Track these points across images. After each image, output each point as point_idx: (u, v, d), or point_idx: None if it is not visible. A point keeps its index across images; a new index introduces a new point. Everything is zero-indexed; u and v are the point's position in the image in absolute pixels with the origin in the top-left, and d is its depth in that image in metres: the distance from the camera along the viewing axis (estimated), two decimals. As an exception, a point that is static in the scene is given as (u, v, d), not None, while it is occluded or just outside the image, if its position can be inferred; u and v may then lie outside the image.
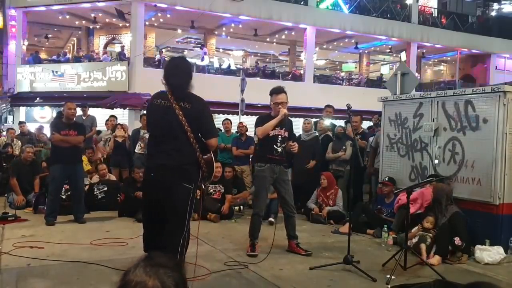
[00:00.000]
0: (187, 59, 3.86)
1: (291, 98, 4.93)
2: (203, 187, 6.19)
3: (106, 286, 3.71)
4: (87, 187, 7.13)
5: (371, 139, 7.52)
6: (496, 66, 23.13)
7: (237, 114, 11.92)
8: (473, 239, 4.96)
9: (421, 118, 5.94)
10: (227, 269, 4.22)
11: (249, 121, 10.71)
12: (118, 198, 7.17)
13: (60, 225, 5.98)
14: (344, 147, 7.28)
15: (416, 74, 20.29)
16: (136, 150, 7.98)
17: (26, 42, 17.64)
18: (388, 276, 4.02)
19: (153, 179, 3.60)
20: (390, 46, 21.85)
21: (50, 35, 21.02)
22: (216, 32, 19.76)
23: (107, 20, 18.13)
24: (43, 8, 16.76)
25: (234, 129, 8.86)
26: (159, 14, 17.33)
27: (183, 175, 3.44)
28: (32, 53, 17.76)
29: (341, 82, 21.05)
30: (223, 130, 8.70)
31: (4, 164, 8.58)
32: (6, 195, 7.48)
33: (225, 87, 14.91)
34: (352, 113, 4.78)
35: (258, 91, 14.12)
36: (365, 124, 9.04)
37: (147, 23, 17.28)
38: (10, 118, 17.90)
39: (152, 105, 3.70)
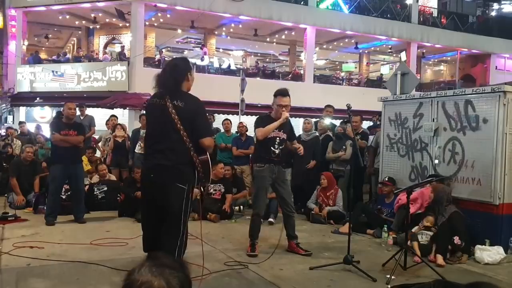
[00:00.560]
0: (185, 59, 3.82)
1: (291, 98, 4.93)
2: (202, 189, 6.18)
3: (106, 286, 3.71)
4: (87, 187, 7.13)
5: (371, 137, 7.53)
6: (496, 66, 23.12)
7: (237, 114, 11.91)
8: (473, 239, 4.96)
9: (421, 118, 5.94)
10: (227, 269, 4.23)
11: (249, 121, 10.70)
12: (118, 198, 7.17)
13: (60, 225, 5.98)
14: (344, 147, 7.28)
15: (418, 76, 20.36)
16: (136, 150, 7.99)
17: (26, 42, 17.64)
18: (388, 276, 4.02)
19: (148, 180, 3.60)
20: (390, 46, 21.85)
21: (50, 35, 21.01)
22: (216, 32, 19.76)
23: (107, 20, 18.13)
24: (43, 8, 16.75)
25: (234, 129, 8.86)
26: (159, 14, 17.33)
27: (176, 176, 3.41)
28: (32, 53, 17.75)
29: (341, 82, 21.04)
30: (223, 130, 8.70)
31: (4, 164, 8.58)
32: (6, 195, 7.48)
33: (225, 87, 14.91)
34: (351, 113, 4.78)
35: (258, 91, 14.17)
36: (365, 124, 9.03)
37: (147, 23, 17.27)
38: (10, 118, 17.90)
39: (149, 104, 3.76)
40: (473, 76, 23.53)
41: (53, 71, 16.18)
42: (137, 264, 1.28)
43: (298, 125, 10.43)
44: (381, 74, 22.55)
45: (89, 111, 11.32)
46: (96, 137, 9.90)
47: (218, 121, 10.34)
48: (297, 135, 6.39)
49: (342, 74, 23.31)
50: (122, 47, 17.65)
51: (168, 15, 17.33)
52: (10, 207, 6.86)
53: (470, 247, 4.91)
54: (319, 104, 8.29)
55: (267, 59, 25.21)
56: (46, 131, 9.70)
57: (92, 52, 18.38)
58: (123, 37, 19.03)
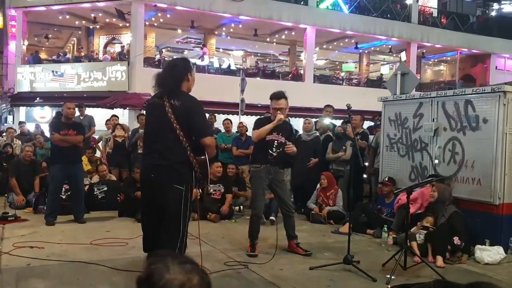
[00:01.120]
0: (185, 60, 3.81)
1: (291, 98, 4.93)
2: (200, 190, 6.16)
3: (106, 286, 3.71)
4: (87, 187, 7.13)
5: (371, 137, 7.53)
6: (496, 66, 23.12)
7: (237, 114, 11.92)
8: (473, 239, 4.96)
9: (421, 118, 5.94)
10: (227, 269, 4.22)
11: (249, 121, 10.70)
12: (118, 198, 7.17)
13: (60, 225, 5.98)
14: (344, 147, 7.27)
15: (418, 76, 20.37)
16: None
17: (26, 42, 17.64)
18: (388, 276, 4.02)
19: (146, 180, 3.60)
20: (390, 46, 21.84)
21: (50, 35, 21.00)
22: (216, 32, 19.75)
23: (107, 20, 18.12)
24: (43, 8, 16.74)
25: (234, 129, 8.86)
26: (159, 14, 17.33)
27: (173, 176, 3.39)
28: (32, 53, 17.75)
29: (341, 82, 21.04)
30: (223, 130, 8.71)
31: (4, 164, 8.58)
32: (6, 195, 7.48)
33: (225, 87, 14.91)
34: (351, 113, 4.78)
35: (258, 91, 14.13)
36: (366, 124, 9.02)
37: (147, 23, 17.27)
38: (10, 118, 17.90)
39: (148, 104, 3.77)
40: (473, 76, 23.53)
41: (53, 71, 16.18)
42: (155, 265, 1.21)
43: (298, 125, 10.46)
44: (381, 74, 22.55)
45: (89, 111, 11.34)
46: (96, 137, 9.91)
47: (218, 121, 10.34)
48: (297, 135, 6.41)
49: (342, 74, 23.30)
50: (122, 47, 17.65)
51: (168, 15, 17.33)
52: (10, 207, 6.87)
53: (470, 247, 4.91)
54: (319, 104, 8.29)
55: (267, 59, 25.20)
56: (46, 131, 9.70)
57: (92, 52, 18.37)
58: (123, 37, 19.02)
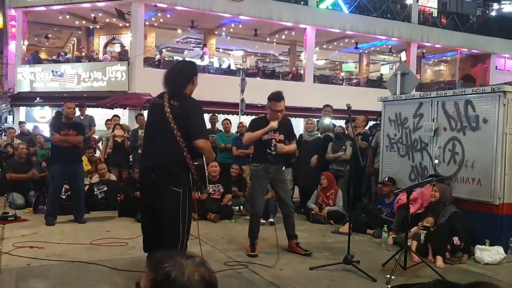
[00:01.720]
0: (194, 64, 3.80)
1: (291, 98, 4.95)
2: (199, 194, 6.15)
3: (106, 286, 3.71)
4: (87, 187, 7.13)
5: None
6: (496, 66, 23.11)
7: (237, 114, 11.92)
8: (473, 239, 4.96)
9: (421, 118, 5.94)
10: (227, 269, 4.22)
11: (249, 121, 10.71)
12: (118, 198, 7.17)
13: (60, 225, 5.98)
14: (344, 147, 7.28)
15: (418, 76, 20.37)
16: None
17: (26, 42, 17.63)
18: (388, 276, 4.02)
19: (144, 181, 3.59)
20: (390, 46, 21.84)
21: (50, 35, 21.00)
22: (216, 32, 19.75)
23: (107, 20, 18.12)
24: (43, 8, 16.74)
25: (234, 129, 8.85)
26: (159, 14, 17.32)
27: (170, 178, 3.37)
28: (32, 53, 17.75)
29: (341, 82, 21.03)
30: (223, 130, 8.70)
31: (4, 164, 8.58)
32: (6, 195, 7.49)
33: (225, 87, 14.91)
34: (352, 113, 4.77)
35: (258, 91, 14.11)
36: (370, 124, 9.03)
37: (147, 23, 17.27)
38: (10, 118, 17.89)
39: (150, 104, 3.77)
40: (473, 76, 23.52)
41: (53, 71, 16.18)
42: (170, 264, 1.17)
43: (298, 125, 10.46)
44: (381, 74, 22.55)
45: (89, 111, 11.34)
46: (96, 137, 9.92)
47: (218, 121, 10.34)
48: (297, 135, 6.40)
49: (342, 74, 23.30)
50: (122, 47, 17.64)
51: (168, 15, 17.32)
52: (10, 207, 6.86)
53: (470, 247, 4.91)
54: (319, 104, 8.28)
55: (267, 59, 25.20)
56: (46, 131, 9.71)
57: (92, 52, 18.37)
58: (123, 37, 19.02)
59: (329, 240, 5.69)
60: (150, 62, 16.89)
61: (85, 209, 6.48)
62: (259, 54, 24.49)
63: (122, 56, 16.70)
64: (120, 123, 9.18)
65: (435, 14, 22.09)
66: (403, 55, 20.97)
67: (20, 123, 12.27)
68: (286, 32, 19.67)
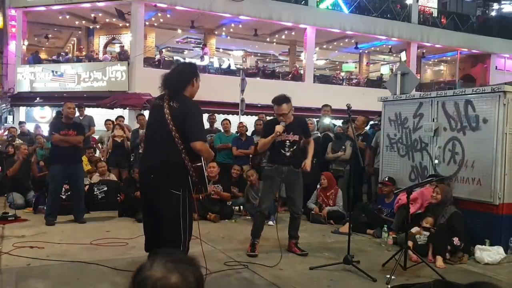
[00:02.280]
0: (194, 65, 3.79)
1: (291, 98, 4.90)
2: (200, 197, 6.14)
3: (106, 286, 3.71)
4: (87, 187, 7.13)
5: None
6: (496, 66, 23.11)
7: (237, 114, 11.92)
8: (473, 239, 4.96)
9: (421, 118, 5.94)
10: (227, 269, 4.23)
11: (249, 121, 10.72)
12: (118, 198, 7.18)
13: (60, 225, 5.98)
14: (343, 147, 7.28)
15: (418, 76, 20.36)
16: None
17: (26, 42, 17.63)
18: (388, 276, 4.02)
19: (144, 182, 3.58)
20: (390, 46, 21.84)
21: (50, 35, 21.00)
22: (216, 32, 19.75)
23: (107, 20, 18.12)
24: (43, 8, 16.74)
25: (234, 129, 8.85)
26: (159, 14, 17.32)
27: (169, 180, 3.34)
28: (32, 53, 17.75)
29: (341, 82, 21.03)
30: (223, 130, 8.71)
31: (4, 164, 8.59)
32: (6, 195, 7.49)
33: (225, 87, 14.90)
34: (351, 113, 4.78)
35: (258, 91, 14.16)
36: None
37: (147, 23, 17.27)
38: (10, 118, 17.89)
39: (151, 105, 3.75)
40: (473, 76, 23.52)
41: (53, 71, 16.18)
42: (146, 261, 1.21)
43: (298, 125, 10.45)
44: (381, 74, 22.55)
45: (89, 111, 11.33)
46: (96, 137, 9.91)
47: (218, 121, 10.34)
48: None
49: (342, 74, 23.30)
50: (122, 47, 17.65)
51: (168, 15, 17.32)
52: (10, 207, 6.86)
53: (470, 247, 4.91)
54: (319, 104, 8.28)
55: (267, 59, 25.20)
56: (46, 131, 9.72)
57: (92, 52, 18.38)
58: (123, 37, 19.02)
59: (329, 240, 5.69)
60: (150, 62, 16.89)
61: (85, 209, 6.48)
62: (259, 54, 24.49)
63: (122, 56, 16.70)
64: (120, 123, 9.19)
65: (435, 14, 22.09)
66: (403, 55, 20.98)
67: (20, 123, 12.27)
68: (286, 32, 19.67)
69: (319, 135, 7.68)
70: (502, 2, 25.63)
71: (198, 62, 17.28)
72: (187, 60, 17.98)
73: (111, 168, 8.20)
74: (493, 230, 5.01)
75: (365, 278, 4.06)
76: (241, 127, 8.33)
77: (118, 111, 14.09)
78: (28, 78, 16.32)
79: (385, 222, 5.73)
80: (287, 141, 4.76)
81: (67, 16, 17.75)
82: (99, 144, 9.68)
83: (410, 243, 4.77)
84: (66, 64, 16.71)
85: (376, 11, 19.75)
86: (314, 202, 6.94)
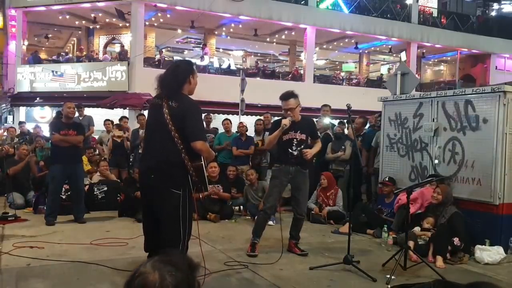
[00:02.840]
0: (189, 62, 3.76)
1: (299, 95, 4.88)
2: (200, 196, 6.14)
3: (106, 286, 3.71)
4: (87, 187, 7.13)
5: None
6: (496, 66, 23.11)
7: (237, 114, 11.91)
8: (473, 239, 4.96)
9: (421, 118, 5.94)
10: (227, 269, 4.22)
11: (249, 121, 10.72)
12: (118, 198, 7.17)
13: (60, 225, 5.98)
14: (343, 147, 7.28)
15: (418, 76, 20.39)
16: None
17: (26, 42, 17.63)
18: (388, 276, 4.02)
19: (144, 182, 3.58)
20: (390, 46, 21.84)
21: (50, 35, 21.00)
22: (216, 32, 19.75)
23: (107, 20, 18.12)
24: (43, 8, 16.74)
25: (234, 129, 8.85)
26: (159, 14, 17.32)
27: (169, 180, 3.34)
28: (32, 53, 17.75)
29: (341, 82, 21.04)
30: (223, 130, 8.71)
31: (4, 165, 8.58)
32: (6, 195, 7.49)
33: (225, 87, 14.91)
34: (352, 113, 4.77)
35: (258, 91, 14.18)
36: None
37: (147, 23, 17.27)
38: (10, 118, 17.89)
39: (150, 104, 3.73)
40: (473, 76, 23.53)
41: (53, 71, 16.18)
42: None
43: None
44: (381, 74, 22.56)
45: (89, 111, 11.34)
46: (96, 137, 9.92)
47: (218, 121, 10.35)
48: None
49: (342, 74, 23.31)
50: (122, 47, 17.65)
51: (168, 15, 17.32)
52: (10, 207, 6.86)
53: (470, 247, 4.91)
54: (319, 104, 8.28)
55: (267, 59, 25.20)
56: (46, 131, 9.72)
57: (92, 52, 18.38)
58: (123, 37, 19.02)
59: (329, 240, 5.69)
60: (150, 62, 16.89)
61: (85, 209, 6.48)
62: (259, 54, 24.49)
63: (122, 56, 16.70)
64: (117, 123, 9.21)
65: (435, 14, 22.10)
66: (403, 55, 20.98)
67: (20, 123, 12.27)
68: (286, 32, 19.67)
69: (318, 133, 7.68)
70: (502, 2, 25.63)
71: (198, 62, 17.29)
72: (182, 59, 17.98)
73: (111, 168, 8.19)
74: (493, 230, 5.01)
75: (365, 278, 4.06)
76: (241, 127, 8.33)
77: (118, 111, 14.11)
78: (28, 78, 16.32)
79: (385, 222, 5.73)
80: (295, 140, 4.74)
81: (67, 16, 17.75)
82: (98, 145, 9.68)
83: (411, 243, 4.77)
84: (66, 64, 16.71)
85: (376, 11, 19.75)
86: (314, 202, 6.94)
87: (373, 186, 7.16)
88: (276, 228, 5.82)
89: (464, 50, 22.24)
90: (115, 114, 12.74)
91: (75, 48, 21.77)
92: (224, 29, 19.47)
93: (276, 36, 20.41)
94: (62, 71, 16.17)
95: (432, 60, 25.52)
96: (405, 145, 6.19)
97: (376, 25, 19.48)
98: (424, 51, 23.02)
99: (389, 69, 23.75)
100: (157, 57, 17.81)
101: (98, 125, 9.95)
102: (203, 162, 3.44)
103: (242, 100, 11.39)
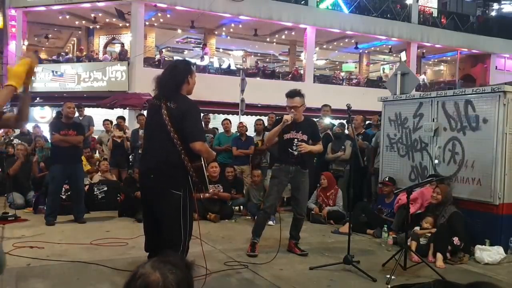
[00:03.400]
0: (187, 62, 3.73)
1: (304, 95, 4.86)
2: (200, 196, 6.14)
3: (106, 286, 3.71)
4: (87, 187, 7.13)
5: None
6: (496, 66, 23.11)
7: (237, 114, 11.92)
8: (473, 239, 4.96)
9: (421, 118, 5.94)
10: (227, 269, 4.23)
11: (249, 121, 10.72)
12: (118, 198, 7.18)
13: (60, 225, 5.98)
14: (343, 146, 7.28)
15: (422, 77, 20.40)
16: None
17: (26, 42, 17.63)
18: (388, 276, 4.02)
19: (144, 183, 3.58)
20: (390, 46, 21.85)
21: (50, 35, 21.00)
22: (216, 32, 19.76)
23: (107, 20, 18.13)
24: (43, 8, 16.75)
25: (234, 129, 8.85)
26: (159, 14, 17.33)
27: (169, 181, 3.33)
28: (32, 53, 17.74)
29: (341, 82, 21.04)
30: (222, 130, 8.70)
31: (5, 164, 8.58)
32: (6, 195, 7.49)
33: (225, 87, 14.91)
34: (351, 113, 4.77)
35: (258, 91, 14.19)
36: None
37: (147, 23, 17.27)
38: (10, 118, 17.86)
39: (149, 105, 3.72)
40: (473, 76, 23.53)
41: (53, 71, 16.19)
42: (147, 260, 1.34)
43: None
44: (381, 74, 22.57)
45: (89, 111, 11.33)
46: (96, 137, 9.92)
47: (218, 121, 10.35)
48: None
49: (342, 74, 23.31)
50: (122, 47, 17.64)
51: (168, 15, 17.33)
52: (10, 207, 6.86)
53: (470, 247, 4.91)
54: (319, 104, 8.28)
55: (267, 59, 25.20)
56: (46, 131, 9.72)
57: (92, 52, 18.38)
58: (123, 37, 19.02)
59: (329, 240, 5.69)
60: (150, 62, 16.89)
61: (85, 209, 6.48)
62: (259, 54, 24.50)
63: (122, 56, 16.70)
64: (117, 123, 9.20)
65: (435, 14, 22.10)
66: (403, 55, 20.98)
67: (20, 123, 12.21)
68: (286, 32, 19.68)
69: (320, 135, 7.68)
70: (502, 2, 25.64)
71: (198, 62, 17.30)
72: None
73: (111, 168, 8.20)
74: (493, 230, 5.01)
75: (365, 278, 4.06)
76: (241, 127, 8.33)
77: (118, 111, 14.10)
78: (28, 78, 16.29)
79: (385, 222, 5.73)
80: (296, 140, 4.73)
81: (67, 16, 17.76)
82: (98, 145, 9.68)
83: (413, 243, 4.77)
84: (66, 64, 16.72)
85: (376, 11, 19.75)
86: (314, 202, 6.94)
87: (373, 186, 7.16)
88: (276, 228, 5.82)
89: (464, 50, 22.24)
90: (115, 114, 12.70)
91: (75, 48, 21.77)
92: (224, 29, 19.47)
93: (276, 36, 20.41)
94: (62, 71, 16.17)
95: (432, 60, 25.53)
96: (405, 145, 6.19)
97: (376, 25, 19.49)
98: (424, 51, 23.02)
99: (383, 69, 23.91)
100: (157, 57, 17.81)
101: (98, 125, 9.95)
102: (203, 162, 3.44)
103: (242, 100, 11.39)
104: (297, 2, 18.44)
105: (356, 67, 24.01)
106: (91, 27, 19.23)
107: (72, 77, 15.95)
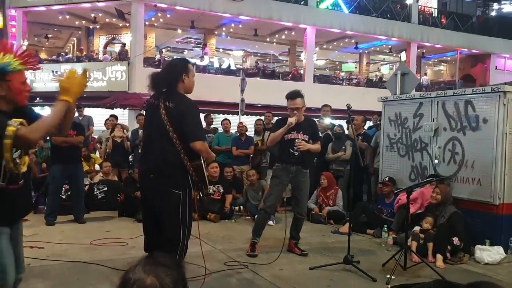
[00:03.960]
0: (183, 60, 3.68)
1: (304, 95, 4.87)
2: (200, 195, 6.12)
3: (106, 286, 3.71)
4: (87, 187, 7.13)
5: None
6: (496, 66, 23.12)
7: (237, 114, 11.91)
8: (473, 239, 4.96)
9: (421, 118, 5.94)
10: (227, 269, 4.23)
11: (249, 121, 10.72)
12: (118, 198, 7.17)
13: (60, 225, 5.99)
14: (343, 147, 7.28)
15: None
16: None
17: (26, 42, 17.63)
18: (388, 276, 4.02)
19: (144, 183, 3.57)
20: (390, 46, 21.85)
21: (50, 35, 21.01)
22: (216, 32, 19.76)
23: (107, 20, 18.13)
24: (43, 8, 16.76)
25: (234, 129, 8.84)
26: (159, 14, 17.33)
27: (169, 180, 3.31)
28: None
29: (341, 82, 21.04)
30: (222, 130, 8.70)
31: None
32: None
33: (225, 87, 14.91)
34: (351, 113, 4.77)
35: (258, 91, 14.19)
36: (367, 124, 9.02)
37: (147, 23, 17.28)
38: (10, 118, 17.86)
39: (147, 104, 3.70)
40: (473, 76, 23.53)
41: (53, 71, 16.17)
42: (132, 264, 1.30)
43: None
44: (382, 74, 22.58)
45: (89, 111, 11.33)
46: (96, 137, 9.91)
47: (217, 121, 10.34)
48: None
49: (342, 74, 23.32)
50: (122, 47, 17.64)
51: (168, 15, 17.33)
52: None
53: (470, 247, 4.91)
54: (319, 104, 8.28)
55: (267, 59, 25.21)
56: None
57: (92, 52, 18.38)
58: (123, 37, 19.02)
59: (329, 240, 5.69)
60: (150, 62, 16.88)
61: (85, 209, 6.49)
62: (259, 54, 24.50)
63: (122, 56, 16.70)
64: (118, 123, 9.17)
65: (435, 14, 22.10)
66: (403, 55, 20.98)
67: (20, 123, 12.23)
68: (286, 32, 19.68)
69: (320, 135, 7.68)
70: (502, 2, 25.64)
71: (198, 62, 17.29)
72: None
73: (111, 168, 8.18)
74: (493, 230, 5.01)
75: (365, 278, 4.06)
76: (241, 127, 8.32)
77: (118, 111, 14.10)
78: (28, 78, 16.28)
79: (385, 222, 5.73)
80: (296, 140, 4.73)
81: (67, 16, 17.76)
82: (97, 144, 9.67)
83: (414, 244, 4.77)
84: (66, 64, 16.69)
85: (376, 11, 19.76)
86: (314, 202, 6.94)
87: (373, 186, 7.16)
88: (276, 228, 5.84)
89: (464, 50, 22.24)
90: (115, 114, 12.73)
91: (75, 48, 21.77)
92: (224, 29, 19.48)
93: (276, 36, 20.42)
94: (62, 71, 16.14)
95: (432, 60, 25.53)
96: (405, 145, 6.19)
97: (376, 25, 19.49)
98: (424, 51, 23.02)
99: (379, 69, 23.98)
100: (157, 57, 17.82)
101: (98, 125, 9.94)
102: (202, 162, 3.43)
103: (242, 100, 11.38)
104: (297, 2, 18.44)
105: (356, 67, 24.02)
106: (91, 27, 19.24)
107: (72, 77, 15.92)
